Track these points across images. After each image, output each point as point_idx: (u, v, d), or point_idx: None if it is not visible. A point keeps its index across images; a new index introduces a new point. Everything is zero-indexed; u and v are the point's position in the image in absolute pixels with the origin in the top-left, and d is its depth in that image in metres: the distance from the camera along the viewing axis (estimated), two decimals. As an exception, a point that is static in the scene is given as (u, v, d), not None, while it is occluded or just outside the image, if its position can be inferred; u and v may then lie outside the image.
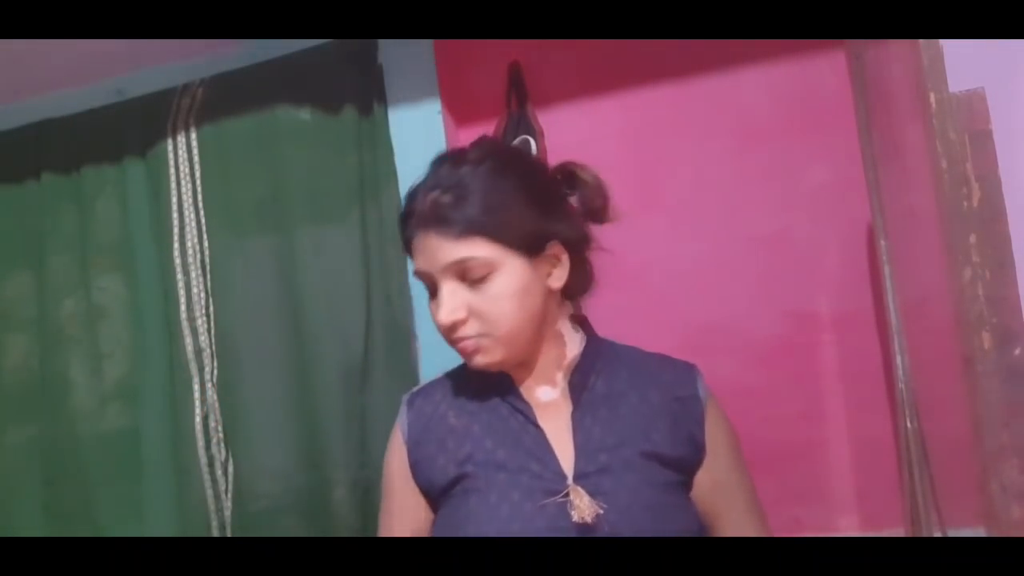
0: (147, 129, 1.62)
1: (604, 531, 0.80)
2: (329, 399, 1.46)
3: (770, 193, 1.48)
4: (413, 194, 0.90)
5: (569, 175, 0.95)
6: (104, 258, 1.66)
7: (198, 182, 1.58)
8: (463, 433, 0.91)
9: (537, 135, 1.57)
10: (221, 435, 1.53)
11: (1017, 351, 0.79)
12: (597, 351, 0.95)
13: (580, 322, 1.00)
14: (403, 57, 1.55)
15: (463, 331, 0.87)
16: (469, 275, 0.85)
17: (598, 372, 0.93)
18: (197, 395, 1.55)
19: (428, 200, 0.87)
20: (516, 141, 1.58)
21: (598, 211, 0.94)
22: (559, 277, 0.91)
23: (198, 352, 1.56)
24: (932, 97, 0.83)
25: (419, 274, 0.89)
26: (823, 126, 1.45)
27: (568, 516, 0.81)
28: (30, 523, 1.65)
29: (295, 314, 1.50)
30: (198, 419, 1.54)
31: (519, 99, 1.60)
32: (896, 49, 0.98)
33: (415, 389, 1.01)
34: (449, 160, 0.90)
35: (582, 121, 1.59)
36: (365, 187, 1.51)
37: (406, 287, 1.51)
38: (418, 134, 1.53)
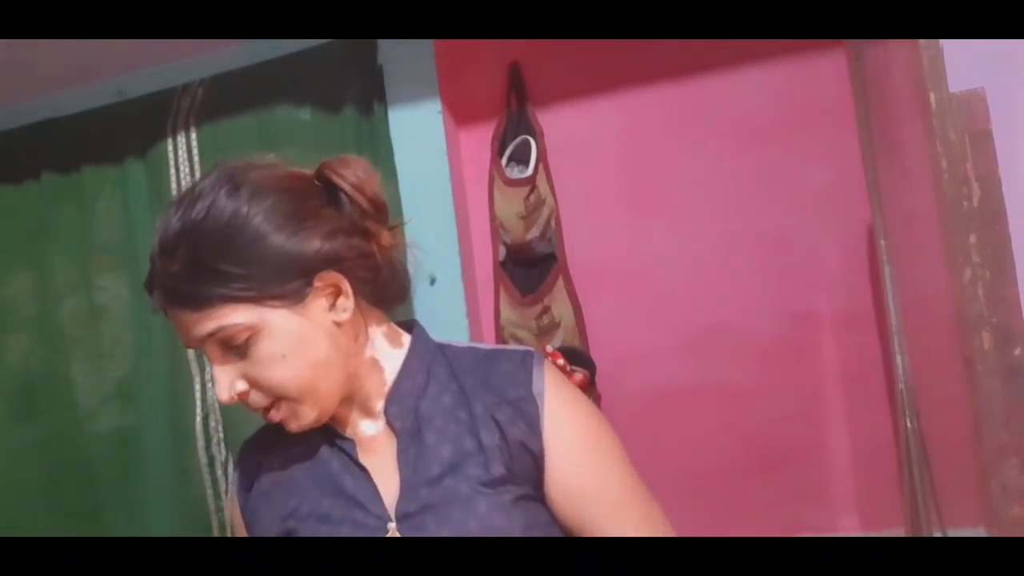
0: (147, 129, 1.62)
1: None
2: (329, 399, 1.46)
3: (770, 193, 1.48)
4: (152, 256, 0.76)
5: (326, 182, 0.79)
6: (104, 258, 1.66)
7: (198, 182, 1.58)
8: (288, 484, 0.82)
9: (537, 135, 1.57)
10: (221, 435, 1.53)
11: (1017, 351, 0.79)
12: (419, 365, 0.82)
13: (407, 329, 0.86)
14: (403, 57, 1.55)
15: (253, 403, 0.76)
16: (231, 343, 0.73)
17: (421, 390, 0.80)
18: (197, 395, 1.55)
19: (160, 270, 0.74)
20: (516, 141, 1.58)
21: (370, 214, 0.79)
22: (344, 308, 0.77)
23: (198, 352, 1.56)
24: (932, 97, 0.83)
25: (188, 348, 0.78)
26: (823, 126, 1.45)
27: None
28: (30, 523, 1.66)
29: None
30: (198, 419, 1.54)
31: (519, 99, 1.60)
32: (896, 49, 0.98)
33: (251, 435, 0.91)
34: (176, 210, 0.75)
35: (582, 121, 1.59)
36: (365, 187, 1.51)
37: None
38: (418, 134, 1.53)
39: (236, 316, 0.72)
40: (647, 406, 1.53)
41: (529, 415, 0.78)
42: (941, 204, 0.83)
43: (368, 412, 0.82)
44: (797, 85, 1.48)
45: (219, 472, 1.53)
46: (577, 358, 1.51)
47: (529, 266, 1.57)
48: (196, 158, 1.59)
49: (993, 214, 0.80)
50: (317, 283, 0.75)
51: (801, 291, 1.47)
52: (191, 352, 1.56)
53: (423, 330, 0.86)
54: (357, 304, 0.79)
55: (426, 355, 0.83)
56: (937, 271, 0.88)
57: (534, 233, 1.53)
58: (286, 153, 1.54)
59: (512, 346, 0.85)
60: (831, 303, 1.46)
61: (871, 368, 1.42)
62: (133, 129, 1.64)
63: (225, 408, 1.53)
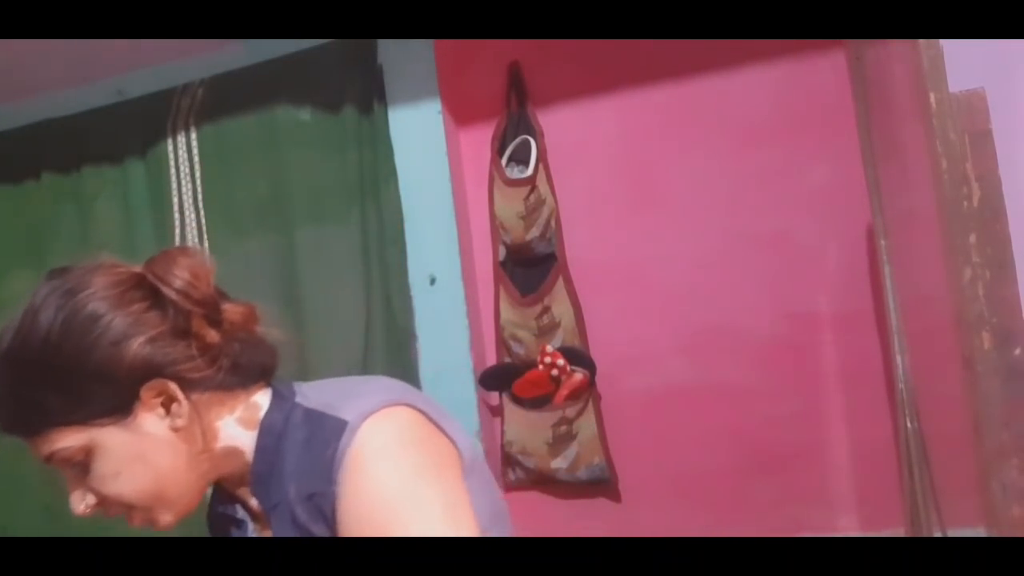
0: (147, 129, 1.62)
1: None
2: (329, 399, 1.46)
3: (770, 193, 1.48)
4: None
5: (150, 289, 0.74)
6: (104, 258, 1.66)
7: (198, 182, 1.58)
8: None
9: (537, 135, 1.57)
10: (221, 435, 1.53)
11: (1017, 351, 0.79)
12: (269, 449, 0.76)
13: (255, 417, 0.79)
14: (403, 57, 1.55)
15: (111, 513, 0.75)
16: (71, 462, 0.73)
17: (267, 479, 0.76)
18: (197, 395, 1.55)
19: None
20: (516, 141, 1.58)
21: (199, 313, 0.74)
22: (178, 414, 0.73)
23: (198, 352, 1.56)
24: (932, 97, 0.83)
25: None
26: (823, 126, 1.45)
27: None
28: (30, 523, 1.65)
29: (295, 313, 1.51)
30: (198, 419, 1.54)
31: (519, 99, 1.60)
32: (896, 49, 0.98)
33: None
34: (4, 334, 0.73)
35: (582, 121, 1.59)
36: (365, 187, 1.52)
37: (406, 287, 1.51)
38: (418, 134, 1.53)
39: (66, 440, 0.72)
40: (647, 406, 1.53)
41: (325, 512, 0.71)
42: (941, 204, 0.83)
43: (245, 495, 0.79)
44: (797, 85, 1.48)
45: (219, 472, 1.53)
46: (577, 358, 1.51)
47: (529, 266, 1.57)
48: (196, 158, 1.59)
49: (993, 214, 0.80)
50: (144, 394, 0.72)
51: (801, 291, 1.47)
52: (191, 352, 1.56)
53: (280, 394, 0.80)
54: (196, 403, 0.74)
55: (273, 436, 0.77)
56: (937, 271, 0.88)
57: (534, 233, 1.53)
58: (286, 153, 1.56)
59: (339, 405, 0.75)
60: (831, 303, 1.46)
61: (871, 368, 1.42)
62: (133, 129, 1.64)
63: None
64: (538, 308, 1.55)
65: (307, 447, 0.74)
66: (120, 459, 0.72)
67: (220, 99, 1.59)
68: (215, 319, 0.76)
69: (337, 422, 0.72)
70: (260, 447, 0.77)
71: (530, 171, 1.55)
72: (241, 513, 0.80)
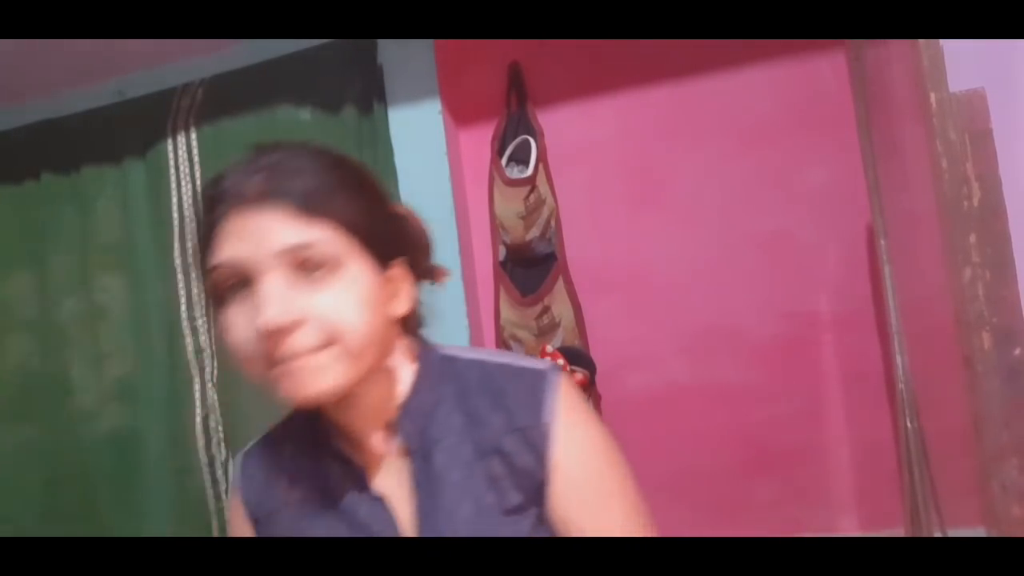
0: (147, 129, 1.62)
1: None
2: (329, 399, 1.47)
3: (770, 193, 1.48)
4: (219, 179, 0.69)
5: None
6: (104, 258, 1.66)
7: (198, 182, 1.58)
8: (296, 509, 0.79)
9: (537, 135, 1.57)
10: (221, 435, 1.54)
11: (1017, 351, 0.79)
12: (431, 382, 0.78)
13: (413, 350, 0.82)
14: (403, 57, 1.55)
15: (298, 341, 0.65)
16: (307, 266, 0.66)
17: (432, 408, 0.77)
18: (197, 395, 1.55)
19: (253, 177, 0.67)
20: (516, 141, 1.58)
21: (421, 261, 0.81)
22: (402, 304, 0.75)
23: (198, 352, 1.56)
24: (932, 97, 0.83)
25: (219, 269, 0.67)
26: (823, 126, 1.45)
27: None
28: (30, 523, 1.66)
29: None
30: (198, 419, 1.54)
31: (519, 99, 1.60)
32: (896, 49, 0.98)
33: (248, 447, 0.86)
34: (269, 149, 0.71)
35: (582, 121, 1.59)
36: (365, 187, 1.51)
37: (406, 287, 1.51)
38: (418, 134, 1.53)
39: (331, 236, 0.67)
40: (647, 406, 1.53)
41: (536, 444, 0.75)
42: (941, 204, 0.83)
43: (378, 424, 0.77)
44: (797, 85, 1.48)
45: (219, 472, 1.53)
46: (577, 358, 1.51)
47: (529, 266, 1.57)
48: (196, 158, 1.59)
49: (993, 214, 0.80)
50: (394, 267, 0.73)
51: (801, 291, 1.47)
52: (191, 352, 1.56)
53: (432, 344, 0.82)
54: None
55: (435, 373, 0.79)
56: (937, 271, 0.88)
57: (534, 233, 1.53)
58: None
59: (523, 361, 0.80)
60: (831, 303, 1.46)
61: (871, 368, 1.42)
62: (133, 129, 1.64)
63: (225, 408, 1.53)
64: (538, 308, 1.55)
65: (494, 390, 0.77)
66: (365, 291, 0.69)
67: (220, 99, 1.59)
68: (424, 271, 0.83)
69: (531, 371, 0.77)
70: (419, 384, 0.77)
71: (530, 171, 1.55)
72: (357, 464, 0.77)
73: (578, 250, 1.56)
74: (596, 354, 1.52)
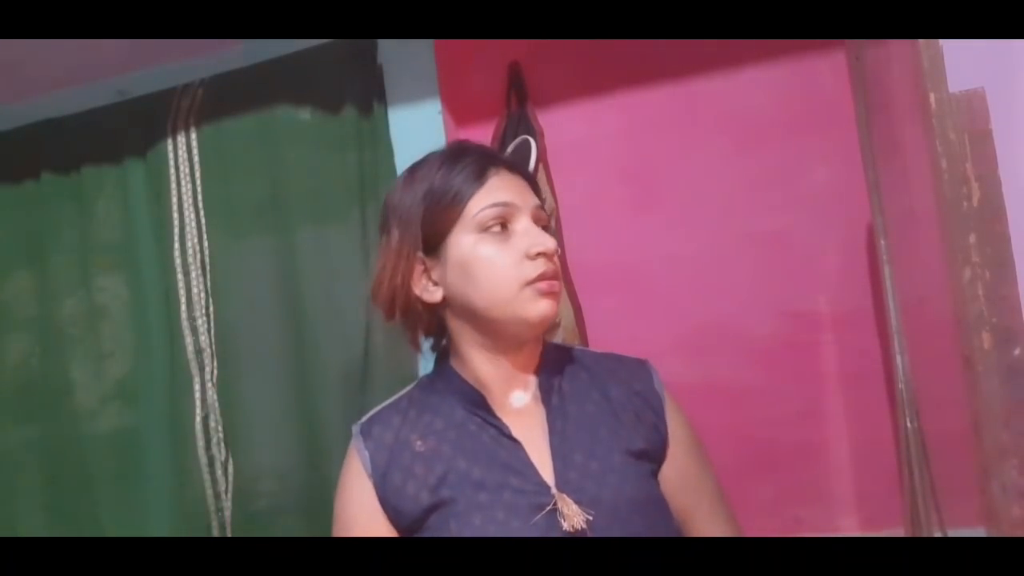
0: (147, 129, 1.62)
1: (596, 535, 0.79)
2: (329, 399, 1.46)
3: (770, 193, 1.48)
4: (466, 147, 0.93)
5: None
6: (104, 258, 1.65)
7: (198, 182, 1.58)
8: (432, 457, 0.86)
9: (537, 135, 1.56)
10: (221, 435, 1.53)
11: (1017, 351, 0.79)
12: (556, 352, 0.95)
13: None
14: (403, 57, 1.55)
15: (552, 265, 0.87)
16: (539, 222, 0.89)
17: (561, 372, 0.92)
18: (197, 395, 1.55)
19: (501, 156, 0.93)
20: (516, 141, 1.58)
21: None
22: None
23: (198, 352, 1.56)
24: (932, 97, 0.83)
25: (496, 207, 0.87)
26: (823, 126, 1.45)
27: (559, 527, 0.79)
28: (30, 523, 1.65)
29: (295, 314, 1.50)
30: (198, 419, 1.54)
31: (519, 99, 1.60)
32: (896, 49, 0.98)
33: (366, 417, 0.95)
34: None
35: (582, 121, 1.59)
36: (365, 187, 1.51)
37: (406, 287, 1.51)
38: (418, 134, 1.53)
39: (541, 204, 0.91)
40: (647, 406, 1.53)
41: (656, 405, 0.92)
42: (941, 204, 0.83)
43: (520, 382, 0.91)
44: (797, 85, 1.48)
45: (219, 472, 1.53)
46: (577, 358, 1.51)
47: (529, 266, 1.57)
48: (196, 158, 1.59)
49: (993, 214, 0.80)
50: None
51: (801, 291, 1.47)
52: (191, 352, 1.56)
53: None
54: None
55: (555, 346, 0.96)
56: (937, 271, 0.88)
57: (534, 233, 1.53)
58: (286, 153, 1.56)
59: (620, 353, 0.98)
60: (831, 303, 1.46)
61: (871, 368, 1.42)
62: (133, 129, 1.64)
63: (225, 408, 1.53)
64: (538, 308, 1.55)
65: (607, 367, 0.94)
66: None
67: (220, 99, 1.59)
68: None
69: (632, 358, 0.98)
70: (548, 352, 0.94)
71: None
72: (496, 416, 0.89)
73: (578, 250, 1.56)
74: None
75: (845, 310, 1.45)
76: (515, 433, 0.87)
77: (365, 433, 0.92)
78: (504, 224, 0.87)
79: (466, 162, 0.88)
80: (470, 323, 0.89)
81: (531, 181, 0.92)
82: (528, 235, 0.86)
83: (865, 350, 1.43)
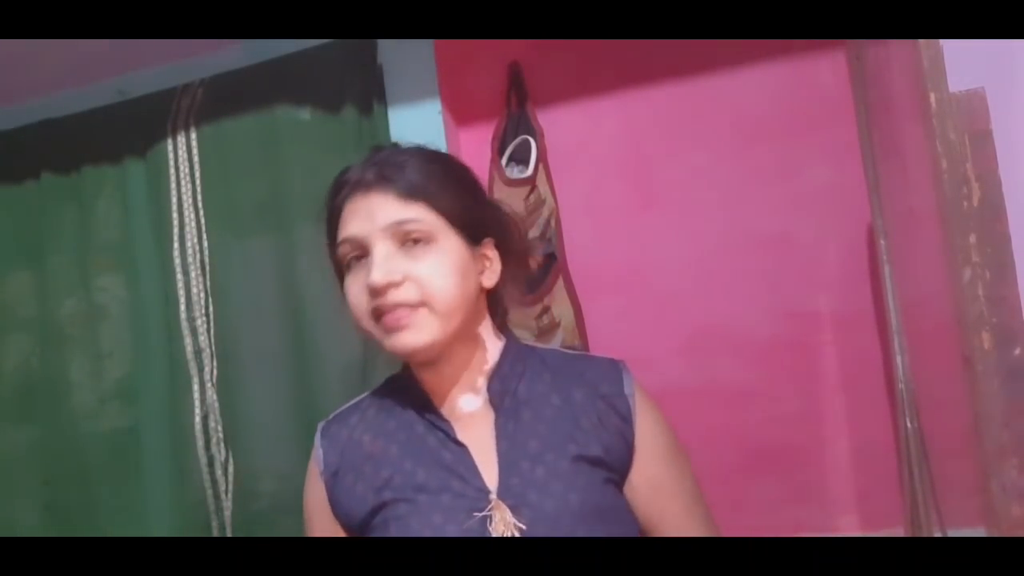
0: (147, 129, 1.62)
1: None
2: (329, 399, 1.46)
3: (770, 193, 1.48)
4: (345, 171, 0.90)
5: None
6: (104, 258, 1.65)
7: (198, 182, 1.58)
8: (380, 457, 0.86)
9: (537, 135, 1.57)
10: (221, 435, 1.53)
11: (1017, 351, 0.79)
12: (517, 354, 0.91)
13: (501, 330, 0.95)
14: (403, 57, 1.55)
15: (398, 295, 0.80)
16: (409, 238, 0.82)
17: (519, 375, 0.89)
18: (197, 395, 1.55)
19: (368, 170, 0.85)
20: (516, 141, 1.58)
21: (511, 243, 0.93)
22: (490, 278, 0.89)
23: (198, 352, 1.56)
24: (932, 97, 0.83)
25: (344, 243, 0.85)
26: (823, 126, 1.45)
27: (490, 534, 0.78)
28: (30, 523, 1.65)
29: (295, 314, 1.50)
30: (198, 419, 1.54)
31: (519, 99, 1.60)
32: (896, 49, 0.98)
33: (332, 415, 0.96)
34: (386, 149, 0.92)
35: (582, 121, 1.59)
36: (365, 187, 1.51)
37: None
38: (418, 134, 1.51)
39: (427, 216, 0.82)
40: (647, 406, 1.53)
41: (622, 409, 0.87)
42: (941, 204, 0.83)
43: (469, 386, 0.88)
44: (797, 85, 1.47)
45: (219, 472, 1.53)
46: (577, 358, 1.51)
47: (529, 266, 1.57)
48: (196, 158, 1.59)
49: (993, 214, 0.80)
50: (483, 246, 0.88)
51: (801, 291, 1.47)
52: (190, 352, 1.56)
53: (512, 333, 0.95)
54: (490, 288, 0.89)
55: (522, 346, 0.93)
56: (937, 271, 0.88)
57: (534, 233, 1.53)
58: (286, 153, 1.56)
59: (595, 354, 0.95)
60: (831, 303, 1.46)
61: (871, 368, 1.42)
62: (133, 129, 1.64)
63: (225, 408, 1.53)
64: (538, 308, 1.55)
65: (575, 370, 0.89)
66: (455, 261, 0.84)
67: (220, 99, 1.59)
68: (521, 265, 0.95)
69: (604, 358, 0.92)
70: (508, 353, 0.90)
71: (530, 171, 1.55)
72: (444, 418, 0.88)
73: (578, 250, 1.56)
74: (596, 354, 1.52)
75: (845, 310, 1.45)
76: (463, 437, 0.85)
77: (324, 432, 0.93)
78: (360, 255, 0.84)
79: (335, 196, 0.89)
80: None
81: (403, 189, 0.83)
82: (372, 266, 0.81)
83: (865, 350, 1.43)
